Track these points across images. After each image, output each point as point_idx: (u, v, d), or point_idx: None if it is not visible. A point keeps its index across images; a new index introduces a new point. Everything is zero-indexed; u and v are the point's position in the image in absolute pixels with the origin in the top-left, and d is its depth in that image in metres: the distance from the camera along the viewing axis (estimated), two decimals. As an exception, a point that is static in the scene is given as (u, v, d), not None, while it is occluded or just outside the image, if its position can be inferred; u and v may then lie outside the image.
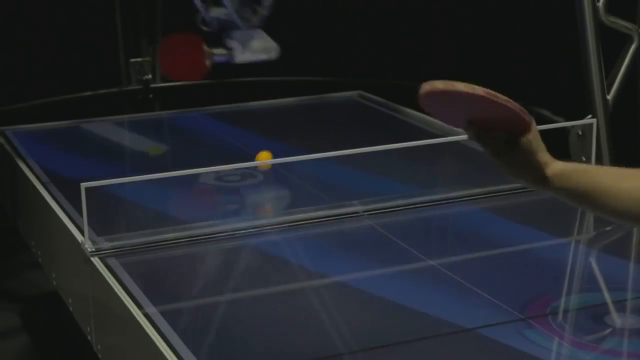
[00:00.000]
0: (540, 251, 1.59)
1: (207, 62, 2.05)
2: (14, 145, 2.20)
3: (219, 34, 2.19)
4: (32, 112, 2.68)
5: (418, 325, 1.33)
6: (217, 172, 1.75)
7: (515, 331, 1.29)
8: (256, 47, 2.10)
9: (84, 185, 1.52)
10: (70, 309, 1.71)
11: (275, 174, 1.92)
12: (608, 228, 1.67)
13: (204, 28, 2.20)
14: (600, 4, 2.00)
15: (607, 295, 1.41)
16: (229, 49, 2.08)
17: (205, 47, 2.05)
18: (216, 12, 2.21)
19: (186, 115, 2.49)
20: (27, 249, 2.24)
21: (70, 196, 1.82)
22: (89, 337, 1.59)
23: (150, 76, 2.79)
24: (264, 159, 1.84)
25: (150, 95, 2.79)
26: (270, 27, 2.33)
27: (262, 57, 2.11)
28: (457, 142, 1.97)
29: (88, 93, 2.77)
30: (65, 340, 2.14)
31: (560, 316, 1.34)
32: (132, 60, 2.78)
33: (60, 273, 1.78)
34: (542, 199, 1.77)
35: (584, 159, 2.06)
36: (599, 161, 1.99)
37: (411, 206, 1.72)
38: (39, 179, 1.94)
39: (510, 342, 1.26)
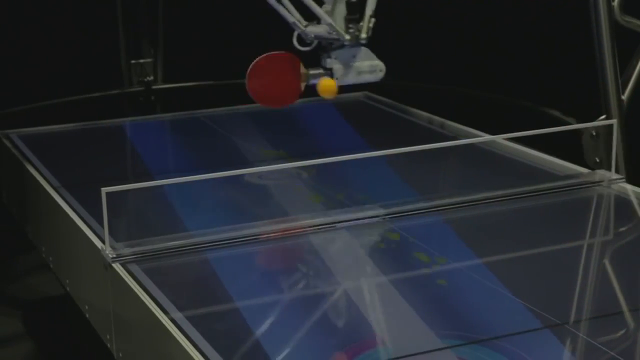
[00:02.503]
0: (570, 253, 1.58)
1: (302, 86, 1.84)
2: (19, 148, 2.17)
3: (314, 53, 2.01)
4: (31, 115, 2.66)
5: (452, 331, 1.31)
6: (237, 175, 1.72)
7: (554, 338, 1.27)
8: (361, 67, 1.91)
9: (104, 190, 1.50)
10: (87, 315, 1.69)
11: (291, 178, 1.90)
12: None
13: (300, 48, 1.99)
14: (616, 3, 1.99)
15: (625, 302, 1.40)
16: (327, 69, 1.89)
17: (302, 69, 1.84)
18: (315, 29, 1.97)
19: (191, 117, 2.46)
20: (28, 253, 2.23)
21: (84, 200, 1.80)
22: (109, 345, 1.57)
23: (152, 78, 2.76)
24: (328, 86, 1.73)
25: (152, 97, 2.76)
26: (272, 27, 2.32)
27: (367, 78, 1.93)
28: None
29: (88, 95, 2.74)
30: (74, 347, 2.12)
31: (600, 321, 1.32)
32: (134, 61, 2.76)
33: (76, 279, 1.75)
34: (568, 199, 1.77)
35: (597, 160, 2.05)
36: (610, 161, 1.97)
37: (433, 209, 1.70)
38: (49, 182, 1.92)
39: (551, 350, 1.25)
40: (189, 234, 1.59)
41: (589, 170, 1.86)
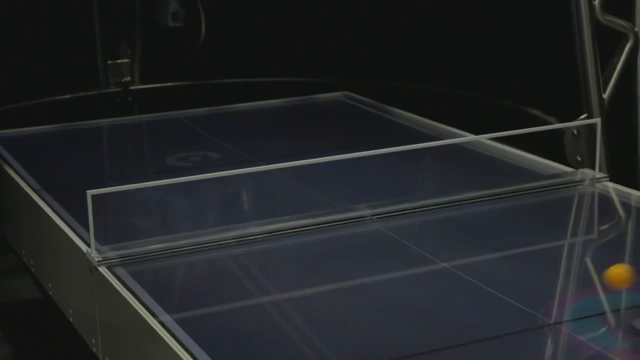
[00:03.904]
0: (558, 251, 1.58)
1: None
2: (-4, 150, 2.15)
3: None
4: (7, 117, 2.63)
5: (443, 332, 1.31)
6: (221, 177, 1.71)
7: (544, 337, 1.27)
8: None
9: (90, 192, 1.48)
10: (71, 320, 1.67)
11: (276, 179, 1.89)
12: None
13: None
14: (597, 2, 2.00)
15: (628, 298, 1.40)
16: None
17: None
18: None
19: (171, 118, 2.45)
20: (5, 256, 2.20)
21: (66, 203, 1.78)
22: (94, 349, 1.55)
23: (129, 78, 2.74)
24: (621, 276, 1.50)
25: (130, 98, 2.74)
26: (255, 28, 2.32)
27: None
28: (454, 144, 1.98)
29: (65, 96, 2.71)
30: (58, 352, 2.10)
31: (584, 320, 1.32)
32: (110, 62, 2.73)
33: (59, 283, 1.73)
34: (553, 199, 1.78)
35: (579, 159, 2.06)
36: (593, 160, 1.98)
37: (419, 209, 1.70)
38: (29, 185, 1.90)
39: (540, 349, 1.25)
40: (176, 236, 1.57)
41: (573, 169, 1.87)
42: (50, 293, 1.79)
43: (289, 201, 1.82)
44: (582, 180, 1.82)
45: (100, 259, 1.50)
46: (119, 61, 2.73)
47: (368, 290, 1.46)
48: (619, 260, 1.54)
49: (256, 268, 1.54)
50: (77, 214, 1.69)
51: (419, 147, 1.81)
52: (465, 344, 1.26)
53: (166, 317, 1.35)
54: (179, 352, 1.25)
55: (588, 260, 1.59)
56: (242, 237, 1.59)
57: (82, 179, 2.01)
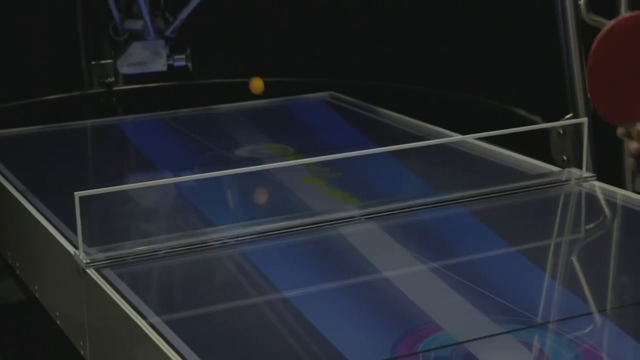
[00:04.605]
0: (544, 251, 1.58)
1: None
2: (-20, 152, 2.13)
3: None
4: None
5: (435, 332, 1.31)
6: (206, 178, 1.70)
7: (535, 336, 1.28)
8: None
9: (77, 194, 1.47)
10: (58, 322, 1.66)
11: (264, 180, 1.89)
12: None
13: (115, 38, 2.24)
14: (582, 2, 2.00)
15: (614, 299, 1.41)
16: None
17: None
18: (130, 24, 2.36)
19: (155, 118, 2.44)
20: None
21: (53, 204, 1.77)
22: (82, 352, 1.54)
23: (112, 79, 2.73)
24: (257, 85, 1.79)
25: (113, 98, 2.73)
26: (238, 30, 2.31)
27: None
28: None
29: (49, 97, 2.69)
30: (45, 355, 2.08)
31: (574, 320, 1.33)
32: (94, 62, 2.72)
33: (46, 286, 1.72)
34: (540, 198, 1.78)
35: (565, 158, 2.07)
36: (579, 160, 1.99)
37: (407, 209, 1.69)
38: (14, 186, 1.88)
39: (530, 348, 1.25)
40: (163, 238, 1.57)
41: (560, 169, 1.87)
42: (37, 295, 1.77)
43: (277, 202, 1.81)
44: (568, 180, 1.83)
45: (89, 261, 1.49)
46: (102, 62, 2.72)
47: (358, 290, 1.46)
48: (605, 259, 1.55)
49: (245, 269, 1.53)
50: (63, 215, 1.68)
51: (406, 147, 1.81)
52: (458, 344, 1.27)
53: (155, 319, 1.34)
54: (169, 354, 1.25)
55: (574, 259, 1.59)
56: (231, 238, 1.59)
57: (67, 180, 1.99)
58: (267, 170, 1.86)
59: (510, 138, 1.84)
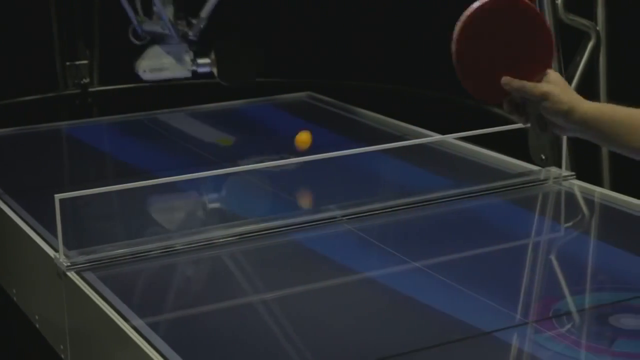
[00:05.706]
0: (524, 249, 1.59)
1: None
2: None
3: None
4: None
5: (420, 332, 1.31)
6: (190, 179, 1.69)
7: (519, 335, 1.28)
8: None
9: (58, 196, 1.45)
10: (38, 326, 1.64)
11: (244, 181, 1.88)
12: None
13: (135, 42, 2.16)
14: (559, 1, 2.01)
15: (610, 295, 1.41)
16: None
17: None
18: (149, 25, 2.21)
19: (132, 119, 2.42)
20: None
21: (31, 207, 1.75)
22: (63, 356, 1.53)
23: (87, 80, 2.71)
24: (303, 140, 1.77)
25: (89, 100, 2.71)
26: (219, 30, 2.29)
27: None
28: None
29: (23, 99, 2.67)
30: (23, 358, 2.06)
31: (565, 318, 1.33)
32: (69, 63, 2.69)
33: (25, 289, 1.71)
34: (521, 197, 1.79)
35: (543, 157, 2.07)
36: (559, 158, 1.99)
37: (388, 209, 1.69)
38: (-9, 189, 1.87)
39: (516, 347, 1.25)
40: (144, 240, 1.56)
41: (539, 168, 1.88)
42: (15, 299, 1.75)
43: (257, 203, 1.81)
44: (547, 179, 1.83)
45: (69, 264, 1.47)
46: (77, 62, 2.69)
47: (341, 291, 1.46)
48: (582, 257, 1.56)
49: (228, 271, 1.53)
50: (43, 218, 1.66)
51: (386, 147, 1.81)
52: (445, 343, 1.27)
53: (138, 322, 1.33)
54: (152, 356, 1.24)
55: (552, 257, 1.60)
56: (212, 240, 1.58)
57: (43, 182, 1.97)
58: (237, 173, 1.85)
59: (489, 137, 1.84)
